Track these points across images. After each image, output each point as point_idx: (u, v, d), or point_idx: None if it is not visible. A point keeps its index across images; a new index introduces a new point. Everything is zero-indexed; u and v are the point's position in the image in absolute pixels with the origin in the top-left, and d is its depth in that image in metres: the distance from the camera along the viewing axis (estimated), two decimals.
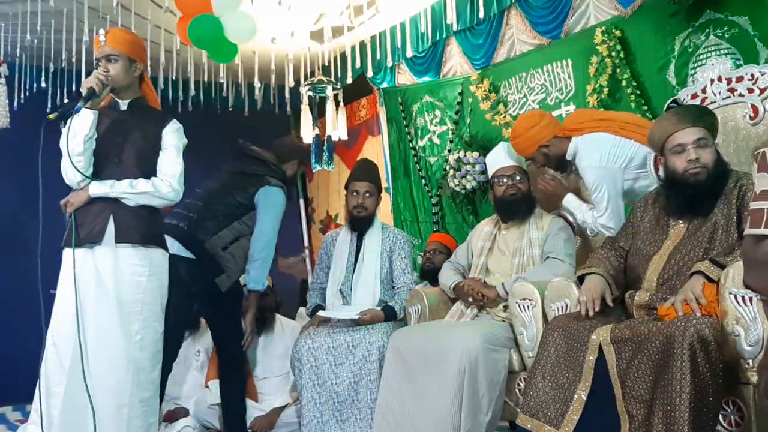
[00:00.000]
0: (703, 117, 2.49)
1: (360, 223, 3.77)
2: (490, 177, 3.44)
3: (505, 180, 3.33)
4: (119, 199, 2.94)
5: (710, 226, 2.40)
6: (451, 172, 5.23)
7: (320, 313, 3.62)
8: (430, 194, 5.67)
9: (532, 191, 3.37)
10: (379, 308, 3.55)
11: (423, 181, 5.75)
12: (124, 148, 2.99)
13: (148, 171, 3.02)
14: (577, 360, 2.31)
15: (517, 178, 3.34)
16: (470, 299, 3.24)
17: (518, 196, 3.32)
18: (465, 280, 3.35)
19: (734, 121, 2.84)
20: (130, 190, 2.95)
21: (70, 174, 2.91)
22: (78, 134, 2.84)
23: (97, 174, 2.95)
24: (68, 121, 2.89)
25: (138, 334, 2.91)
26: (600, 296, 2.47)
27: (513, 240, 3.32)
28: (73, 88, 5.19)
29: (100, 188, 2.92)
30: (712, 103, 2.91)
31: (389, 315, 3.54)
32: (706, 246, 2.38)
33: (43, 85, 5.25)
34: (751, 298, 2.06)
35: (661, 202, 2.62)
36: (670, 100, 2.73)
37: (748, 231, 1.01)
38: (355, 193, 3.75)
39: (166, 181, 3.02)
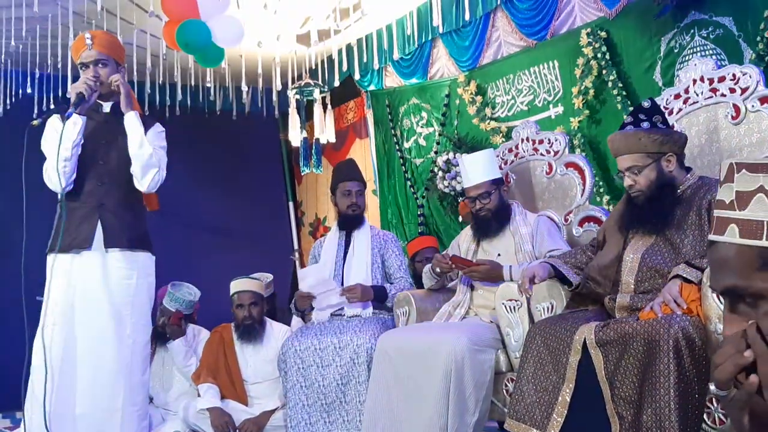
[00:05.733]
0: (634, 143, 2.53)
1: (353, 222, 3.82)
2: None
3: (474, 200, 3.29)
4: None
5: (682, 234, 2.44)
6: (440, 173, 5.23)
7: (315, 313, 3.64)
8: (415, 196, 5.68)
9: (505, 200, 3.34)
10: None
11: (408, 183, 5.75)
12: (108, 150, 2.99)
13: (132, 173, 3.02)
14: (560, 362, 2.32)
15: (485, 197, 3.25)
16: (441, 266, 3.27)
17: (488, 215, 3.28)
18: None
19: (716, 121, 2.85)
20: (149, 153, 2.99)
21: (53, 178, 2.89)
22: (66, 140, 2.83)
23: (81, 175, 2.94)
24: (46, 124, 2.89)
25: (130, 337, 2.92)
26: (531, 276, 2.59)
27: (499, 242, 3.31)
28: (59, 93, 5.17)
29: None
30: (694, 103, 2.92)
31: (379, 294, 3.56)
32: (680, 250, 2.41)
33: (29, 90, 5.23)
34: None
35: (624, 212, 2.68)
36: (630, 111, 2.73)
37: (709, 237, 1.09)
38: (347, 193, 3.78)
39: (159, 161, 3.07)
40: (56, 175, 2.87)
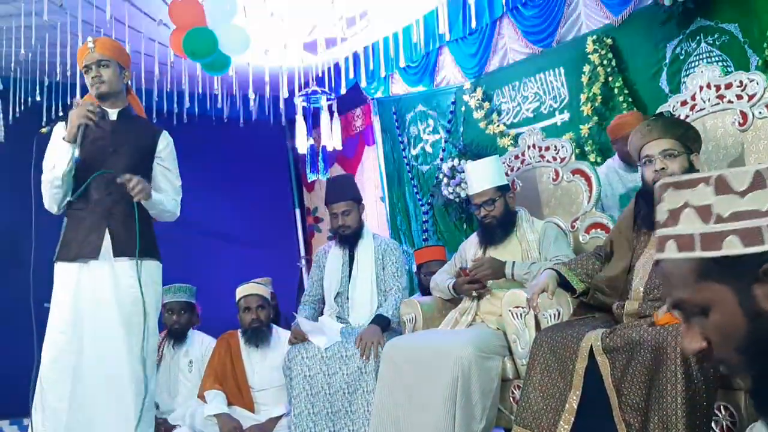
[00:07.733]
0: (674, 128, 2.51)
1: (348, 239, 3.80)
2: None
3: (479, 208, 3.30)
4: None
5: None
6: (445, 180, 5.24)
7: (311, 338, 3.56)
8: (421, 202, 5.69)
9: (511, 207, 3.33)
10: (369, 323, 3.53)
11: (415, 190, 5.76)
12: (115, 158, 2.99)
13: None
14: (567, 368, 2.31)
15: (490, 204, 3.26)
16: (472, 291, 3.23)
17: (494, 222, 3.28)
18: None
19: (723, 128, 2.85)
20: (167, 208, 3.07)
21: (46, 198, 2.96)
22: (57, 168, 2.87)
23: (88, 184, 2.96)
24: (53, 132, 2.92)
25: (138, 344, 2.92)
26: (540, 291, 2.55)
27: (506, 249, 3.31)
28: (68, 101, 5.19)
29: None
30: (701, 110, 2.92)
31: (383, 324, 3.53)
32: None
33: (38, 98, 5.26)
34: None
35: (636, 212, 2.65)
36: (655, 112, 2.76)
37: (654, 256, 1.16)
38: (334, 216, 3.78)
39: (176, 201, 3.11)
40: (48, 197, 2.94)
